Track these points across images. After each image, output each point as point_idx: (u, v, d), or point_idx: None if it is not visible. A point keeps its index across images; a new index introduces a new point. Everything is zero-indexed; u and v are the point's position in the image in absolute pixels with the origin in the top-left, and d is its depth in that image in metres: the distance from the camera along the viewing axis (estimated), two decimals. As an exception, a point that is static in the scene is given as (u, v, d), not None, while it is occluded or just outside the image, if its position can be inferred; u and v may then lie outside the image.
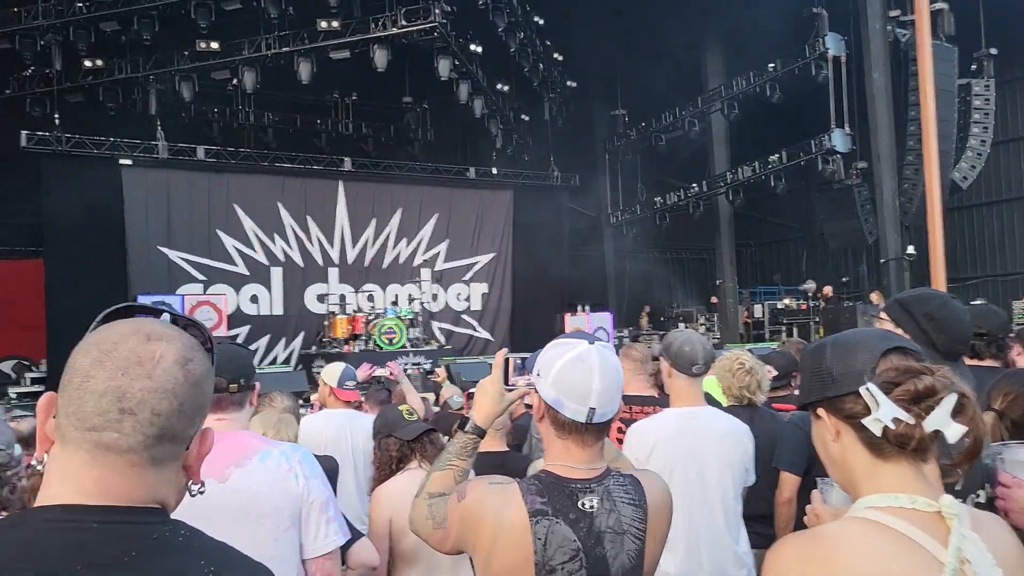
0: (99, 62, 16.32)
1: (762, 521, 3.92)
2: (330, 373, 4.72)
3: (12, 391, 14.89)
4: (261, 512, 2.28)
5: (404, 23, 15.93)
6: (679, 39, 18.30)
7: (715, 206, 20.46)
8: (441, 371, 10.53)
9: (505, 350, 2.19)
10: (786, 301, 19.71)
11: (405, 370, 13.52)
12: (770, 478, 3.92)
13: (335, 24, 15.75)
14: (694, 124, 20.14)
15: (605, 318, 18.50)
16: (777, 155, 18.36)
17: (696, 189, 20.29)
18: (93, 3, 15.27)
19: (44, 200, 16.02)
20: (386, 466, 3.22)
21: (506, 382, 2.11)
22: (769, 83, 18.01)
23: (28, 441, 5.54)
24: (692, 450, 3.24)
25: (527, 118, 21.08)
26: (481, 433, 2.08)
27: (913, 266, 16.24)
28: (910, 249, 16.44)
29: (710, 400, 5.69)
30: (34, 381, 14.94)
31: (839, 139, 16.79)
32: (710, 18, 19.03)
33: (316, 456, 4.07)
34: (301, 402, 6.49)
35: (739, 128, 19.94)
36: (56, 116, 16.03)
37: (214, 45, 15.83)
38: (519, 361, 2.16)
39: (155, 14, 15.23)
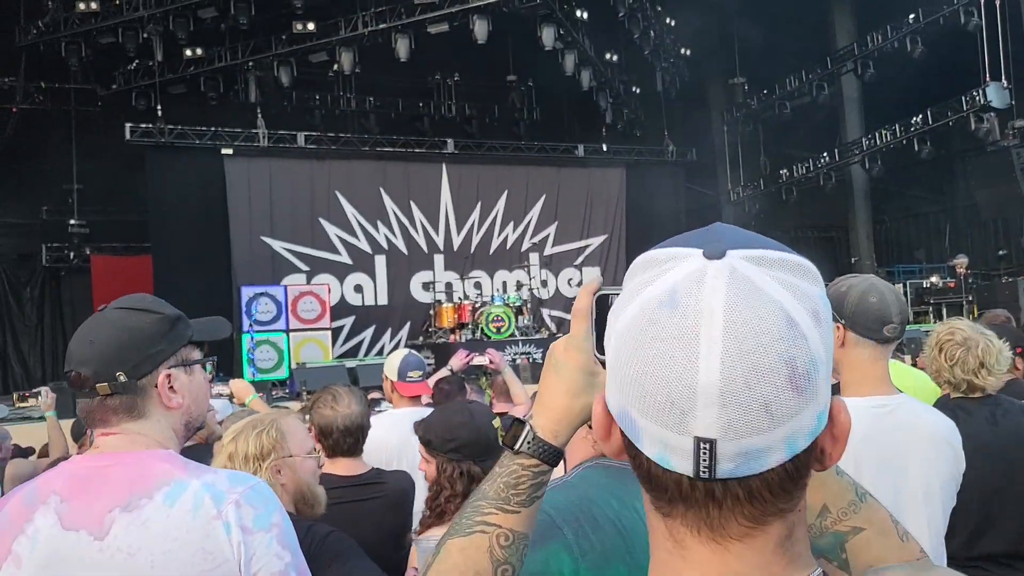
0: (199, 51, 16.21)
1: (1008, 564, 2.82)
2: (390, 364, 3.77)
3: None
4: None
5: (503, -12, 15.04)
6: (803, -5, 16.76)
7: (847, 178, 18.70)
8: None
9: (597, 279, 1.03)
10: (932, 279, 17.79)
11: (513, 360, 12.80)
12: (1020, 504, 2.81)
13: (433, -5, 15.02)
14: (823, 88, 18.35)
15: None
16: (920, 116, 16.48)
17: (827, 159, 18.55)
18: (190, -11, 15.08)
19: (149, 193, 16.00)
20: (440, 507, 2.06)
21: (600, 346, 0.92)
22: (909, 36, 16.17)
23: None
24: (891, 461, 2.11)
25: (638, 90, 19.82)
26: (551, 456, 0.96)
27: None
28: (1082, 214, 14.52)
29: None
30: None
31: (995, 94, 14.82)
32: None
33: (385, 473, 3.10)
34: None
35: (872, 91, 18.13)
36: (159, 108, 15.91)
37: (311, 26, 15.45)
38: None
39: (251, -3, 14.91)
